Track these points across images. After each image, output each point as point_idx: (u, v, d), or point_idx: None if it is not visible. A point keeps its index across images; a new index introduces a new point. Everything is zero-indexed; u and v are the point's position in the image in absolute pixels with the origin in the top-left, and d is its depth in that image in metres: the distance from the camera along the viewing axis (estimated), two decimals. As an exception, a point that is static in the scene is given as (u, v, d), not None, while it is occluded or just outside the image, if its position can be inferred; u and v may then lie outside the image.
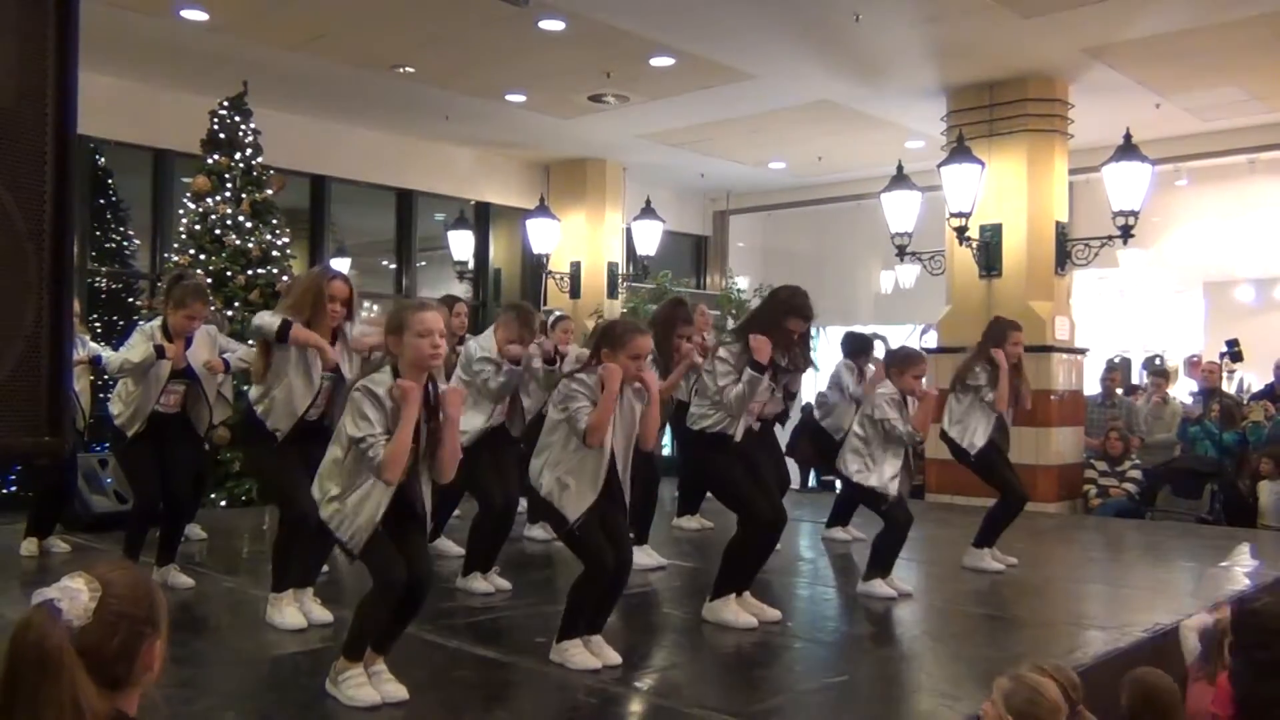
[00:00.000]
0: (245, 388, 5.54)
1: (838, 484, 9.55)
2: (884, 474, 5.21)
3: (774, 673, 4.04)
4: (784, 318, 4.60)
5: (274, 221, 8.66)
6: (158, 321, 5.09)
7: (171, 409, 5.11)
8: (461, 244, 11.86)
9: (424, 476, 3.47)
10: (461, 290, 11.89)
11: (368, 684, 3.40)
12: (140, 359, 4.91)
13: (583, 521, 3.76)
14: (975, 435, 5.86)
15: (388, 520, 3.37)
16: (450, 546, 5.96)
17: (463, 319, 5.90)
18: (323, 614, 4.37)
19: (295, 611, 4.33)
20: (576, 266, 12.42)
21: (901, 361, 5.40)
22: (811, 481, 11.43)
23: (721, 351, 4.60)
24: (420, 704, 3.46)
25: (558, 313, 7.17)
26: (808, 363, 4.81)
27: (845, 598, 5.41)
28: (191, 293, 5.09)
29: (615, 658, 3.86)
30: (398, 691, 3.43)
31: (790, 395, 4.91)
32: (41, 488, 6.20)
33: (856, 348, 7.05)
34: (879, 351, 7.53)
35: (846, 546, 6.70)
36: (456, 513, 6.75)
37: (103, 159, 9.64)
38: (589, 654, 3.84)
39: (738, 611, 4.56)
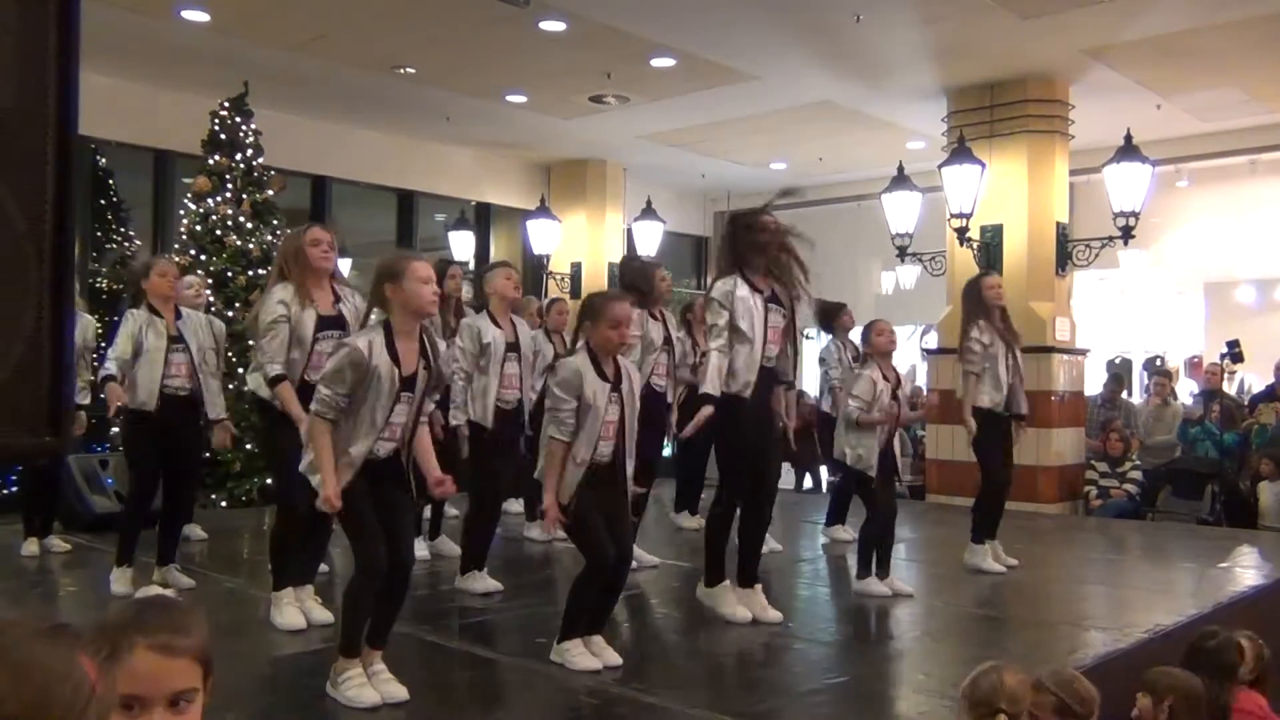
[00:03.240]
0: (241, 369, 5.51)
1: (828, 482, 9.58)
2: (865, 449, 5.20)
3: (773, 673, 4.04)
4: (752, 230, 4.56)
5: (275, 222, 8.66)
6: (141, 310, 5.05)
7: (183, 381, 4.99)
8: (462, 244, 11.87)
9: (412, 445, 3.49)
10: (461, 291, 11.88)
11: (367, 684, 3.39)
12: (129, 338, 4.91)
13: (583, 511, 3.70)
14: (989, 396, 5.74)
15: (377, 500, 3.39)
16: (451, 547, 5.98)
17: (458, 281, 6.07)
18: (323, 614, 4.37)
19: (295, 611, 4.34)
20: (577, 267, 12.42)
21: (866, 329, 5.49)
22: (808, 483, 11.43)
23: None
24: (420, 704, 3.47)
25: (552, 296, 7.23)
26: (800, 274, 4.66)
27: (844, 598, 5.41)
28: (155, 259, 5.25)
29: (615, 658, 3.86)
30: (398, 692, 3.42)
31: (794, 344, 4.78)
32: (28, 488, 6.19)
33: (829, 316, 6.97)
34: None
35: (845, 547, 6.69)
36: (454, 512, 6.76)
37: (103, 159, 9.64)
38: (589, 654, 3.83)
39: (734, 604, 4.58)
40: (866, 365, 5.39)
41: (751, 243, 4.57)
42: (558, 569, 5.81)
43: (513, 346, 5.08)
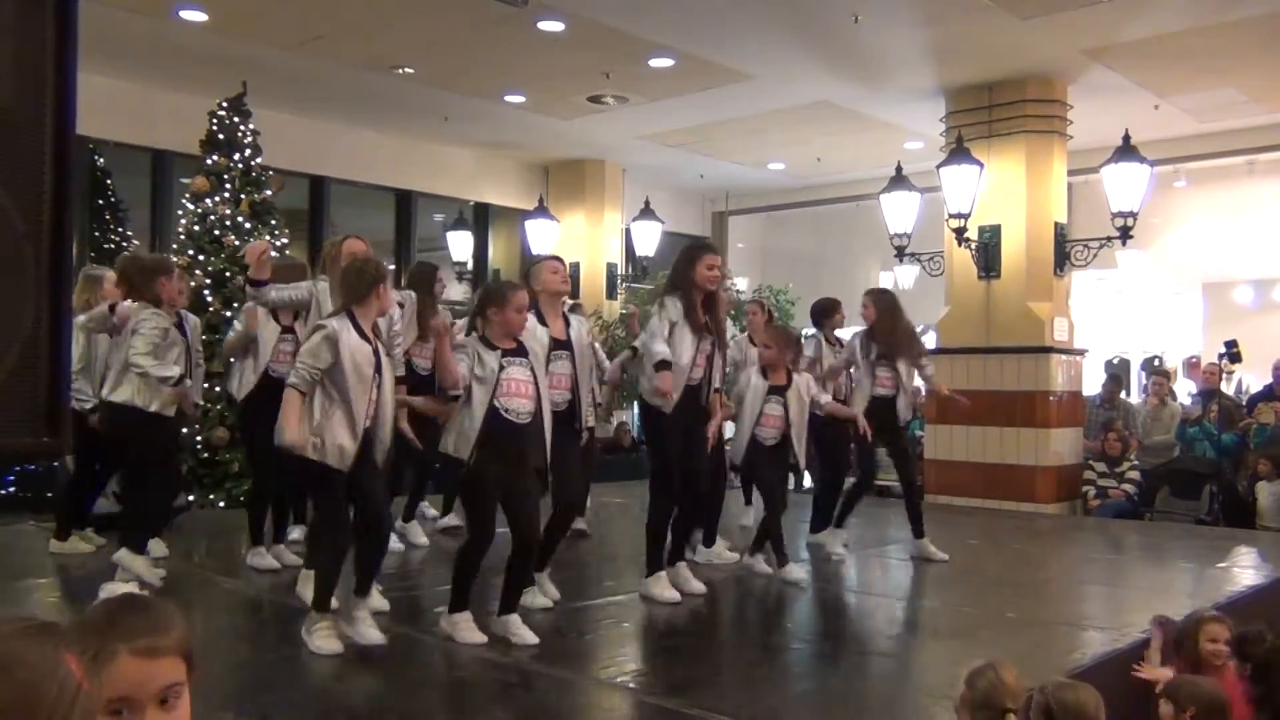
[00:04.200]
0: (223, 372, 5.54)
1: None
2: (734, 440, 5.44)
3: (772, 673, 4.03)
4: (696, 262, 4.82)
5: (273, 222, 8.64)
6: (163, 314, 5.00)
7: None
8: (460, 245, 11.86)
9: (381, 425, 4.02)
10: (460, 291, 11.90)
11: (334, 637, 3.85)
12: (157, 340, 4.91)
13: (477, 480, 4.01)
14: (856, 404, 6.08)
15: (354, 468, 3.90)
16: (420, 536, 6.11)
17: (443, 284, 6.26)
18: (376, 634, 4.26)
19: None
20: (575, 267, 12.40)
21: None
22: (807, 482, 11.40)
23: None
24: (420, 704, 3.46)
25: None
26: (719, 325, 4.96)
27: (843, 599, 5.42)
28: (170, 261, 5.39)
29: (531, 637, 4.03)
30: (374, 635, 3.89)
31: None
32: (70, 484, 6.15)
33: (824, 314, 6.66)
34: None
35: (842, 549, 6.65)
36: (433, 512, 6.78)
37: (102, 159, 9.63)
38: (476, 630, 4.04)
39: (665, 587, 4.84)
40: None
41: (698, 274, 4.83)
42: (557, 570, 5.80)
43: (561, 344, 4.69)
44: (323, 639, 3.83)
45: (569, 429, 4.64)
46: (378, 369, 3.97)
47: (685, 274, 4.85)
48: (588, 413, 4.69)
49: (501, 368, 4.05)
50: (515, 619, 4.09)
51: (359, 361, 3.90)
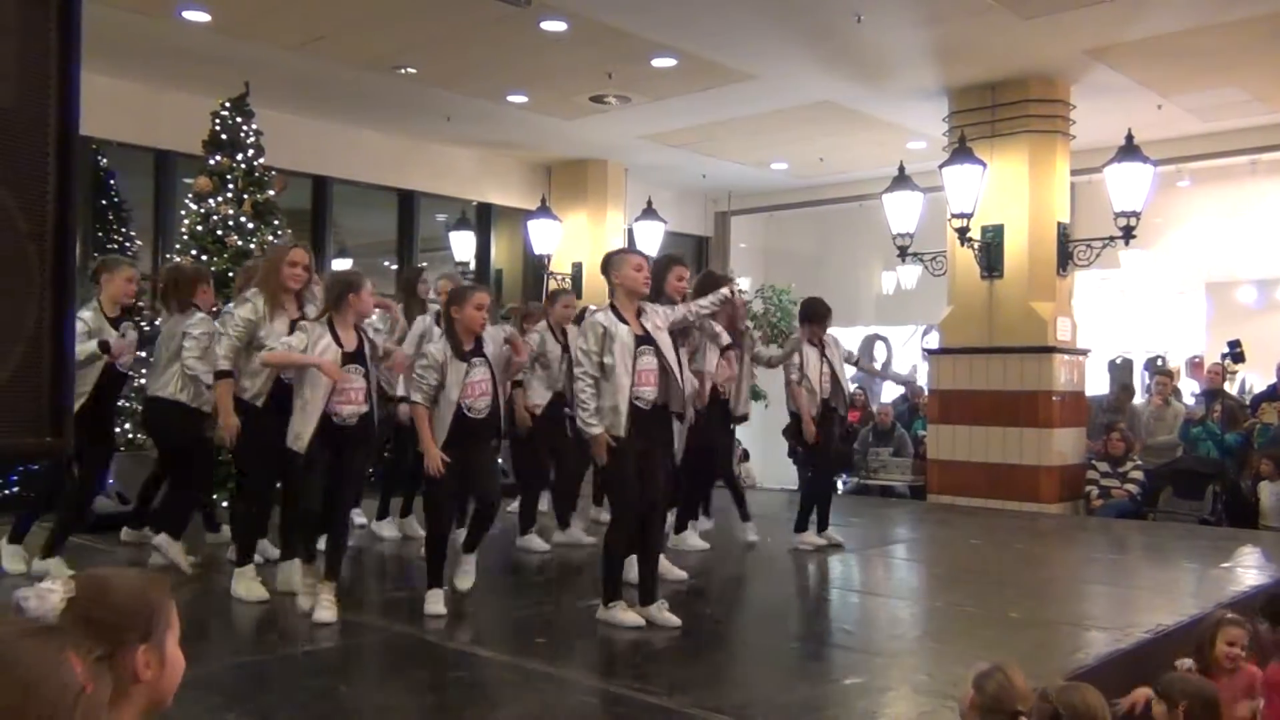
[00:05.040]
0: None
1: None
2: None
3: (772, 673, 4.04)
4: (668, 272, 5.20)
5: (276, 222, 8.63)
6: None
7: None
8: (463, 245, 11.86)
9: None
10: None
11: (257, 583, 4.63)
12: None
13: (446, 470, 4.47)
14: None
15: (333, 463, 4.42)
16: (416, 529, 6.28)
17: (428, 286, 6.68)
18: (327, 614, 4.37)
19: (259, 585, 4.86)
20: (578, 267, 12.42)
21: None
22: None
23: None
24: (420, 704, 3.47)
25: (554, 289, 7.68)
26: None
27: (844, 599, 5.41)
28: (200, 276, 5.86)
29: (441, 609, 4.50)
30: (328, 615, 4.33)
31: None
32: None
33: (810, 318, 6.45)
34: (882, 358, 7.47)
35: (839, 550, 6.61)
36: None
37: (104, 160, 9.63)
38: (442, 604, 4.52)
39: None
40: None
41: (668, 285, 5.18)
42: (557, 569, 5.81)
43: (643, 339, 4.54)
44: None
45: (662, 420, 4.50)
46: (353, 359, 4.49)
47: (657, 284, 5.09)
48: (688, 395, 4.56)
49: (466, 372, 4.54)
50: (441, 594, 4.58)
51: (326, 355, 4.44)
